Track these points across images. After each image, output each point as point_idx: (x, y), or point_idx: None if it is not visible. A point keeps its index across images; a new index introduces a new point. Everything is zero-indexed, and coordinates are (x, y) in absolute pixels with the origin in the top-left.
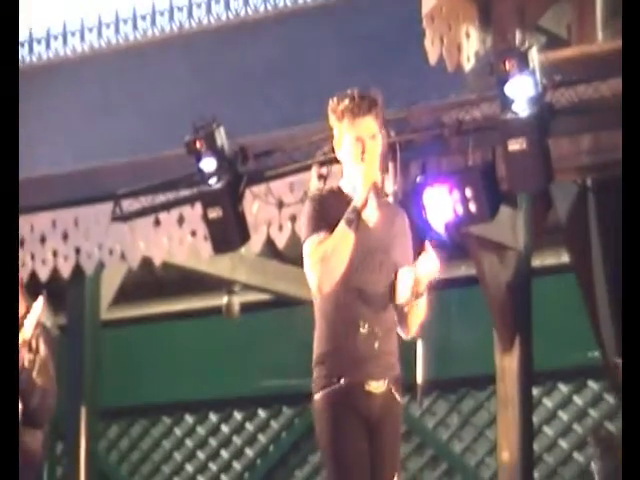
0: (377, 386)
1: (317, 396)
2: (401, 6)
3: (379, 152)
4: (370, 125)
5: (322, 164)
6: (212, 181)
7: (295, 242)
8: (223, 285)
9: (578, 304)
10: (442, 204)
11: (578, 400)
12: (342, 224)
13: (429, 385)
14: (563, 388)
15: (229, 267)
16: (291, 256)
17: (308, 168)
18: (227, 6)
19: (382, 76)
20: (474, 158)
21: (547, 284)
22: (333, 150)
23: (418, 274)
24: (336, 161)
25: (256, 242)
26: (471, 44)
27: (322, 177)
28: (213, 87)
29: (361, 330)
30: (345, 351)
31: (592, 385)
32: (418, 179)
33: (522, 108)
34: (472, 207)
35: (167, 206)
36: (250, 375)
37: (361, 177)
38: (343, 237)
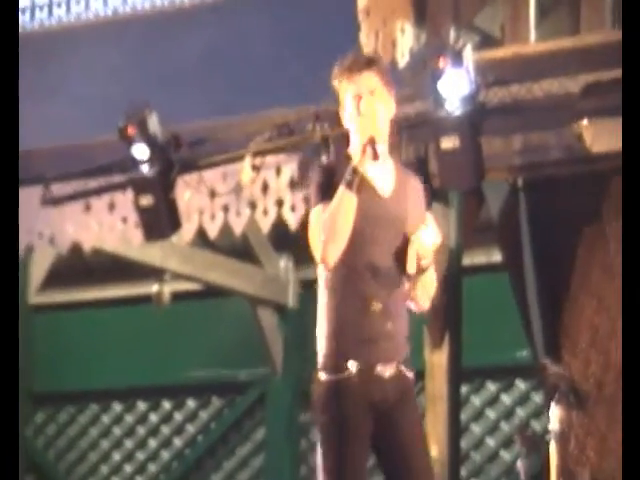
0: (387, 369)
1: (322, 377)
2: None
3: (380, 108)
4: (368, 81)
5: (255, 155)
6: (144, 168)
7: (227, 232)
8: (154, 273)
9: (509, 303)
10: None
11: (506, 399)
12: (341, 187)
13: None
14: (491, 386)
15: (160, 255)
16: (223, 246)
17: (241, 158)
18: None
19: (317, 69)
20: (407, 154)
21: (478, 282)
22: (269, 140)
23: (420, 246)
24: (270, 152)
25: (187, 231)
26: (406, 40)
27: (255, 168)
28: (147, 74)
29: (372, 308)
30: (354, 330)
31: (520, 384)
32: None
33: (455, 106)
34: None
35: (98, 191)
36: (179, 364)
37: (357, 132)
38: (343, 200)
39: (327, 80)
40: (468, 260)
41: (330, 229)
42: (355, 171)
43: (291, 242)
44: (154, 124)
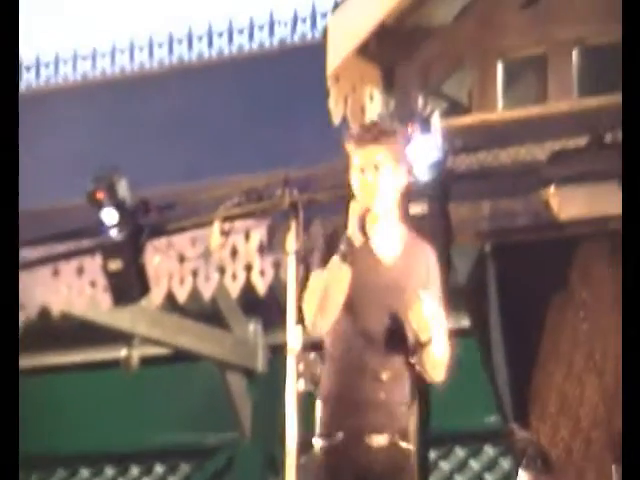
0: (377, 439)
1: (315, 442)
2: (306, 64)
3: (384, 181)
4: (374, 154)
5: (224, 219)
6: (113, 232)
7: (196, 296)
8: (122, 337)
9: (478, 368)
10: None
11: (474, 464)
12: (335, 257)
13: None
14: (460, 452)
15: (129, 319)
16: (192, 310)
17: (210, 223)
18: (131, 57)
19: (285, 134)
20: None
21: None
22: (238, 205)
23: (417, 320)
24: (239, 217)
25: (156, 295)
26: (374, 106)
27: (224, 233)
28: (116, 137)
29: (365, 377)
30: (346, 398)
31: (489, 450)
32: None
33: (423, 172)
34: None
35: (67, 256)
36: (148, 429)
37: (355, 204)
38: (336, 271)
39: (296, 146)
40: None
41: (321, 300)
42: (349, 242)
43: (260, 307)
44: (123, 189)
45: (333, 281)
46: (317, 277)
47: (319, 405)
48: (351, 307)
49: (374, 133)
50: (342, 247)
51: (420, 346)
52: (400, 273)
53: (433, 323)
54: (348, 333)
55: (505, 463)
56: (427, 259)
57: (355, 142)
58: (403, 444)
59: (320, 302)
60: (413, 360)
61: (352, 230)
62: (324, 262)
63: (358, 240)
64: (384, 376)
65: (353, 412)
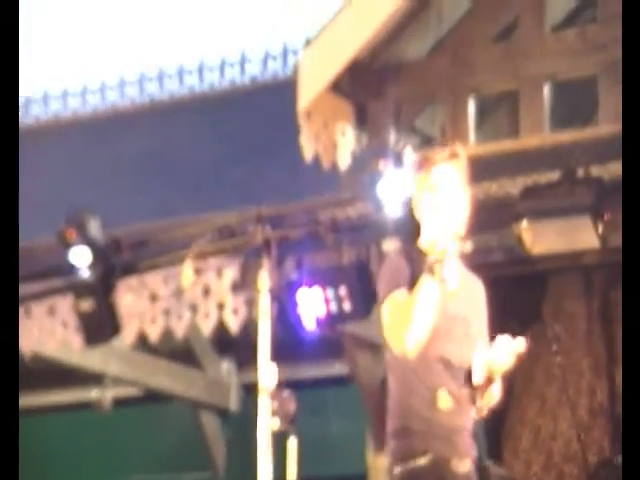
0: (462, 465)
1: (396, 470)
2: (278, 102)
3: (457, 203)
4: (441, 176)
5: (197, 257)
6: (84, 272)
7: (168, 336)
8: (94, 378)
9: None
10: (316, 302)
11: None
12: (425, 276)
13: None
14: None
15: (100, 360)
16: (164, 350)
17: (182, 261)
18: (103, 97)
19: (258, 171)
20: (349, 256)
21: None
22: (210, 242)
23: (492, 363)
24: (211, 254)
25: (128, 335)
26: (347, 142)
27: (197, 271)
28: (87, 176)
29: (445, 404)
30: (429, 425)
31: None
32: (293, 276)
33: (396, 208)
34: (346, 305)
35: (38, 296)
36: (122, 470)
37: (439, 228)
38: (427, 290)
39: (268, 183)
40: None
41: (413, 319)
42: (438, 262)
43: (233, 345)
44: (94, 228)
45: (424, 301)
46: (394, 300)
47: (395, 438)
48: (436, 336)
49: (446, 153)
50: (431, 265)
51: (486, 385)
52: (463, 303)
53: (503, 368)
54: (426, 358)
55: None
56: (481, 292)
57: (425, 163)
58: (474, 476)
59: (411, 323)
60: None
61: (440, 251)
62: (394, 286)
63: (439, 261)
64: (460, 403)
65: (437, 438)
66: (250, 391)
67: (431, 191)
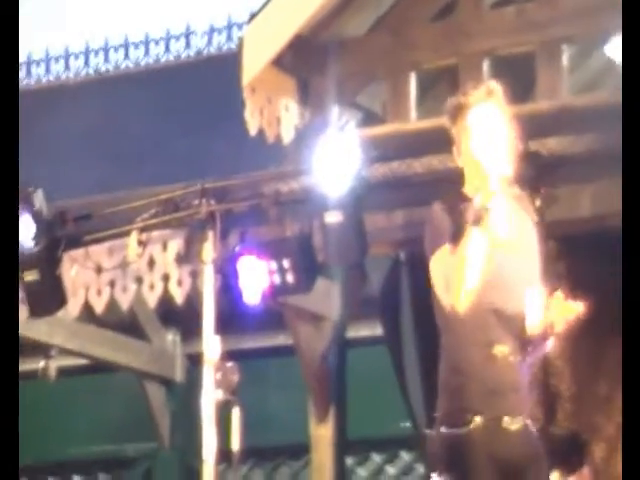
0: (515, 423)
1: (443, 430)
2: (223, 76)
3: (501, 143)
4: (484, 114)
5: (142, 230)
6: (29, 244)
7: (113, 307)
8: (40, 349)
9: (392, 375)
10: (259, 274)
11: (391, 470)
12: (471, 227)
13: (245, 453)
14: (376, 458)
15: (46, 331)
16: (109, 321)
17: (127, 234)
18: (47, 69)
19: (202, 145)
20: (292, 229)
21: (361, 355)
22: (155, 215)
23: (550, 315)
24: (156, 227)
25: (74, 306)
26: (290, 117)
27: (141, 243)
28: (32, 149)
29: (498, 356)
30: (479, 380)
31: (404, 455)
32: (236, 248)
33: (338, 182)
34: (289, 278)
35: None
36: (66, 440)
37: (482, 170)
38: (473, 241)
39: (212, 156)
40: (352, 333)
41: (462, 273)
42: (482, 208)
43: (178, 316)
44: (39, 200)
45: (471, 252)
46: (442, 254)
47: (443, 390)
48: (481, 287)
49: (482, 92)
50: (475, 213)
51: (542, 337)
52: (516, 251)
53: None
54: (475, 310)
55: (421, 468)
56: (531, 231)
57: (463, 107)
58: (534, 429)
59: (461, 276)
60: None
61: (485, 195)
62: (443, 238)
63: (490, 205)
64: (514, 358)
65: (489, 395)
66: (195, 362)
67: (470, 135)
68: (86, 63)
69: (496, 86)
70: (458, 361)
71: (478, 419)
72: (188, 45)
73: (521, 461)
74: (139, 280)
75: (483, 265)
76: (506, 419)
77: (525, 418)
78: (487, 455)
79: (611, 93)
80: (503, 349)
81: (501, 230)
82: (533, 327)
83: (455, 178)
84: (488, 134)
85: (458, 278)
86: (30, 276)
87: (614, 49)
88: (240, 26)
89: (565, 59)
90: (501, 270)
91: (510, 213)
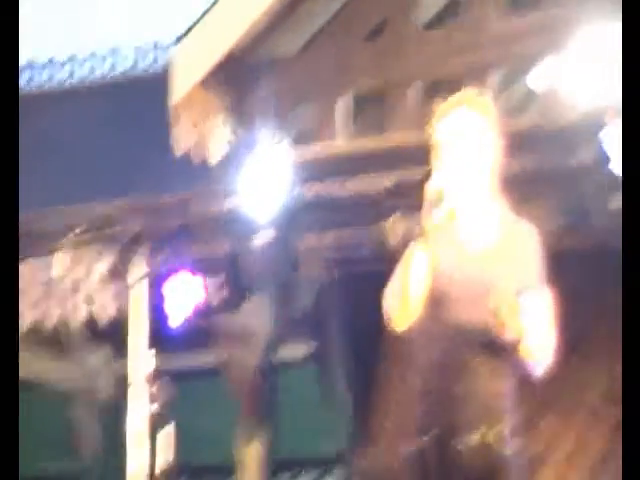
0: (464, 441)
1: (402, 448)
2: (152, 94)
3: (467, 155)
4: (456, 123)
5: (71, 247)
6: None
7: (40, 325)
8: None
9: (321, 395)
10: (189, 292)
11: None
12: (413, 244)
13: (174, 471)
14: (305, 478)
15: None
16: (36, 339)
17: (58, 249)
18: None
19: (134, 162)
20: (222, 248)
21: (292, 374)
22: (85, 232)
23: (504, 322)
24: (85, 244)
25: None
26: (220, 137)
27: (70, 261)
28: None
29: (442, 372)
30: (426, 397)
31: (332, 475)
32: (166, 266)
33: (270, 201)
34: (218, 296)
35: None
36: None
37: (429, 185)
38: (408, 259)
39: (142, 175)
40: (283, 352)
41: (399, 291)
42: (421, 225)
43: (107, 334)
44: None
45: (408, 269)
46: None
47: (410, 409)
48: (438, 301)
49: (454, 100)
50: (417, 233)
51: (511, 343)
52: (491, 263)
53: (523, 320)
54: (436, 329)
55: None
56: (525, 243)
57: (439, 111)
58: (498, 445)
59: (397, 296)
60: (503, 356)
61: (425, 213)
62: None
63: (432, 224)
64: (476, 371)
65: (436, 412)
66: (124, 380)
67: (441, 142)
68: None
69: (479, 93)
70: (416, 376)
71: (427, 438)
72: (114, 69)
73: (474, 476)
74: (64, 300)
75: (425, 280)
76: (458, 436)
77: (486, 433)
78: (437, 474)
79: (536, 118)
80: (464, 363)
81: (477, 243)
82: (509, 332)
83: (385, 199)
84: (460, 142)
85: (398, 299)
86: None
87: (535, 78)
88: (166, 48)
89: (491, 83)
90: (462, 289)
91: (484, 229)
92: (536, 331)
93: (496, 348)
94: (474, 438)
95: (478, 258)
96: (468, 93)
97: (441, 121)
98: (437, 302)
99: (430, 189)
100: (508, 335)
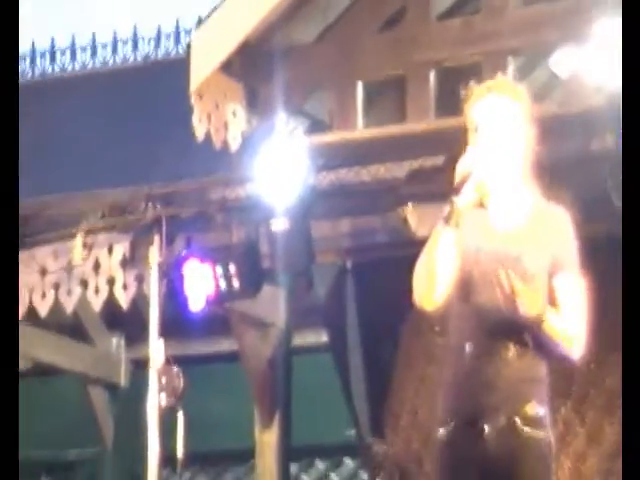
0: (490, 424)
1: (437, 432)
2: (170, 80)
3: (500, 138)
4: (488, 107)
5: (87, 233)
6: None
7: (58, 310)
8: None
9: (336, 383)
10: (205, 279)
11: (335, 477)
12: (440, 225)
13: (189, 458)
14: (320, 465)
15: None
16: (53, 324)
17: (73, 236)
18: None
19: (150, 149)
20: (238, 235)
21: (307, 362)
22: (101, 218)
23: (524, 299)
24: (100, 230)
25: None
26: (238, 123)
27: (87, 246)
28: None
29: (471, 355)
30: (456, 381)
31: (348, 462)
32: (182, 253)
33: (285, 189)
34: (235, 283)
35: None
36: None
37: (460, 165)
38: (436, 239)
39: (160, 161)
40: (298, 340)
41: (426, 270)
42: (452, 204)
43: (122, 320)
44: None
45: (432, 252)
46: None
47: (442, 393)
48: (465, 283)
49: (492, 84)
50: (445, 210)
51: (533, 322)
52: (518, 244)
53: (542, 297)
54: (459, 307)
55: (364, 475)
56: (558, 226)
57: (477, 93)
58: (525, 428)
59: (424, 275)
60: (527, 337)
61: (456, 192)
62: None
63: (462, 203)
64: (504, 354)
65: (461, 397)
66: (139, 366)
67: (473, 127)
68: (32, 65)
69: (510, 82)
70: (445, 360)
71: (453, 421)
72: (135, 49)
73: (497, 461)
74: (84, 283)
75: (446, 261)
76: (480, 421)
77: (511, 416)
78: (462, 458)
79: (556, 105)
80: (480, 350)
81: (504, 223)
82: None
83: (399, 186)
84: (490, 128)
85: (425, 279)
86: None
87: (557, 63)
88: (188, 32)
89: (511, 71)
90: (485, 269)
91: (513, 210)
92: (569, 313)
93: (520, 329)
94: (501, 420)
95: (507, 239)
96: (503, 80)
97: (476, 103)
98: (465, 283)
99: (460, 168)
100: (528, 312)
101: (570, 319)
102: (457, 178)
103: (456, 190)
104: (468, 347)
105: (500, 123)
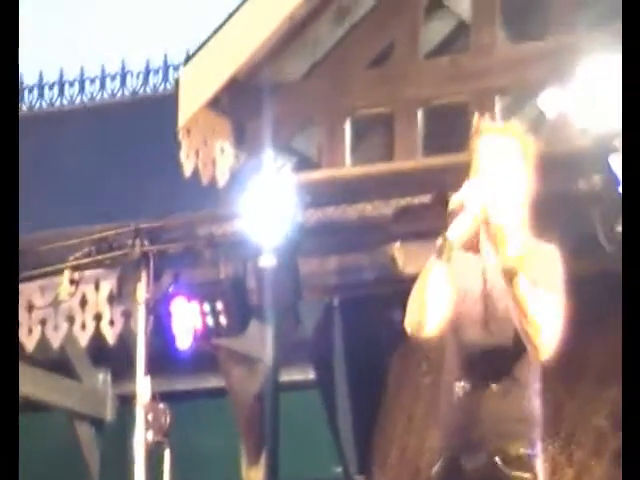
0: (472, 461)
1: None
2: (158, 116)
3: (505, 175)
4: (496, 144)
5: (74, 269)
6: None
7: (44, 346)
8: None
9: (323, 420)
10: (192, 315)
11: None
12: (432, 258)
13: None
14: None
15: None
16: (40, 360)
17: (60, 272)
18: None
19: (137, 185)
20: (226, 271)
21: (294, 398)
22: (88, 254)
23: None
24: (87, 266)
25: None
26: (225, 160)
27: (74, 282)
28: None
29: (457, 392)
30: (445, 417)
31: None
32: (170, 289)
33: (273, 225)
34: (222, 320)
35: None
36: None
37: (452, 202)
38: (428, 272)
39: (148, 197)
40: (285, 377)
41: (417, 304)
42: (444, 239)
43: (109, 356)
44: None
45: (428, 282)
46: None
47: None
48: (453, 319)
49: (501, 126)
50: (437, 244)
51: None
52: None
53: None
54: (451, 342)
55: None
56: (547, 264)
57: (480, 131)
58: (506, 469)
59: (416, 307)
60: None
61: (449, 226)
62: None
63: (454, 237)
64: (489, 391)
65: (447, 433)
66: (126, 402)
67: (479, 158)
68: (21, 99)
69: (513, 126)
70: (438, 392)
71: (438, 459)
72: (124, 84)
73: None
74: (71, 319)
75: (438, 294)
76: (463, 458)
77: (492, 454)
78: None
79: (543, 144)
80: (467, 387)
81: (495, 258)
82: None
83: (387, 224)
84: (495, 164)
85: (417, 309)
86: None
87: (545, 102)
88: (176, 67)
89: (498, 110)
90: (472, 305)
91: (509, 239)
92: (545, 324)
93: (506, 366)
94: (481, 457)
95: (493, 278)
96: (515, 125)
97: (481, 139)
98: (453, 319)
99: (454, 200)
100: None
101: (542, 313)
102: (450, 207)
103: (449, 217)
104: (457, 383)
105: (506, 161)
